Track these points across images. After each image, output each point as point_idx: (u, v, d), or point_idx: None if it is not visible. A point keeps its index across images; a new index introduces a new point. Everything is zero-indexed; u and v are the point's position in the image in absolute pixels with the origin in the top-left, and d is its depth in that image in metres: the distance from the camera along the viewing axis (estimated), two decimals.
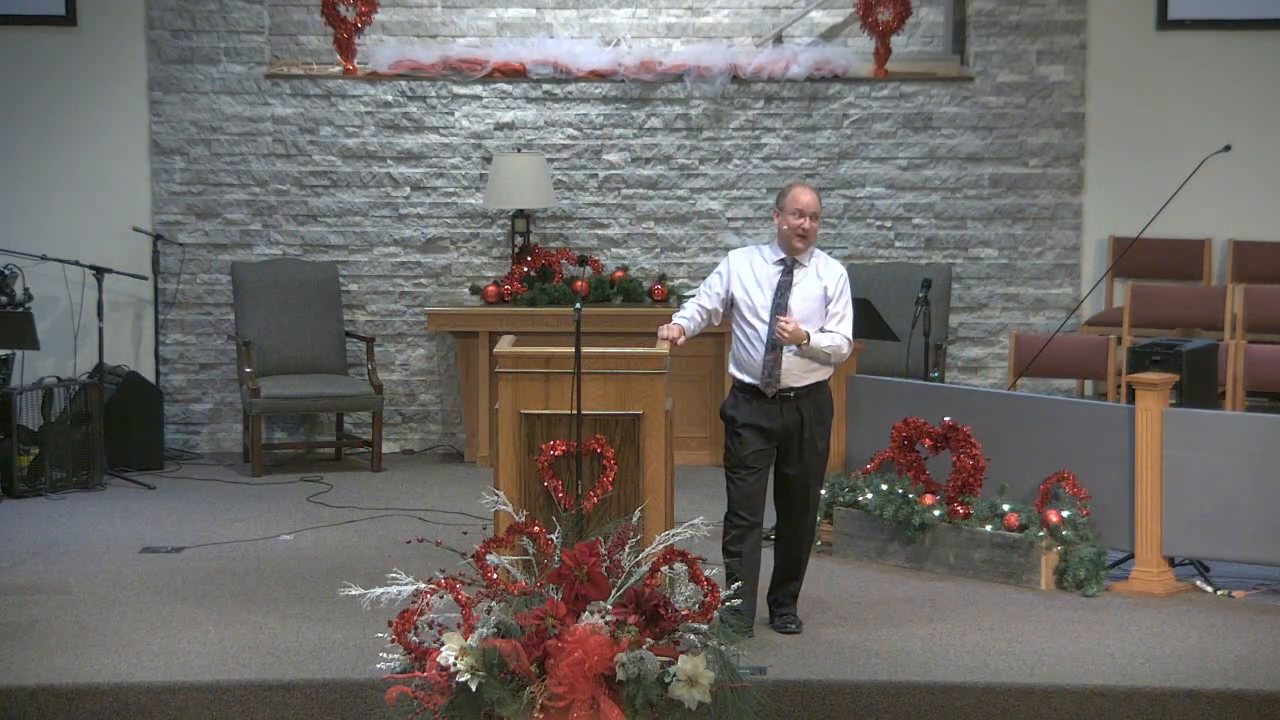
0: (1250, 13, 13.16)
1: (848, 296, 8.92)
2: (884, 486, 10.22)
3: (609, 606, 7.20)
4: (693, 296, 9.08)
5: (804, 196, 8.82)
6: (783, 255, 8.86)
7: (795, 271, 8.84)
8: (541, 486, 8.74)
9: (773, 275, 8.83)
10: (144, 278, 13.06)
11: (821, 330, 8.80)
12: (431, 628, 7.28)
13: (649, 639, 7.13)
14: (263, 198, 13.27)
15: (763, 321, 8.79)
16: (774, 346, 8.77)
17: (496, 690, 7.08)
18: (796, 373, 8.82)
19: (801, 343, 8.73)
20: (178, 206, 13.25)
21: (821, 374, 8.90)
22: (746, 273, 8.87)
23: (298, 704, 8.17)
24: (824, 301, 8.85)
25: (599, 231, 13.33)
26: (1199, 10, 13.18)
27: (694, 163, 13.30)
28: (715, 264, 9.29)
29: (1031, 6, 13.21)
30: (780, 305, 8.78)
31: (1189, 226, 13.05)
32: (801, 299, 8.81)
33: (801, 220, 8.79)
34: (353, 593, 7.43)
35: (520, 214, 13.13)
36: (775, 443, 8.87)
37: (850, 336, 8.91)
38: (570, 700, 7.03)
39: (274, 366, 12.86)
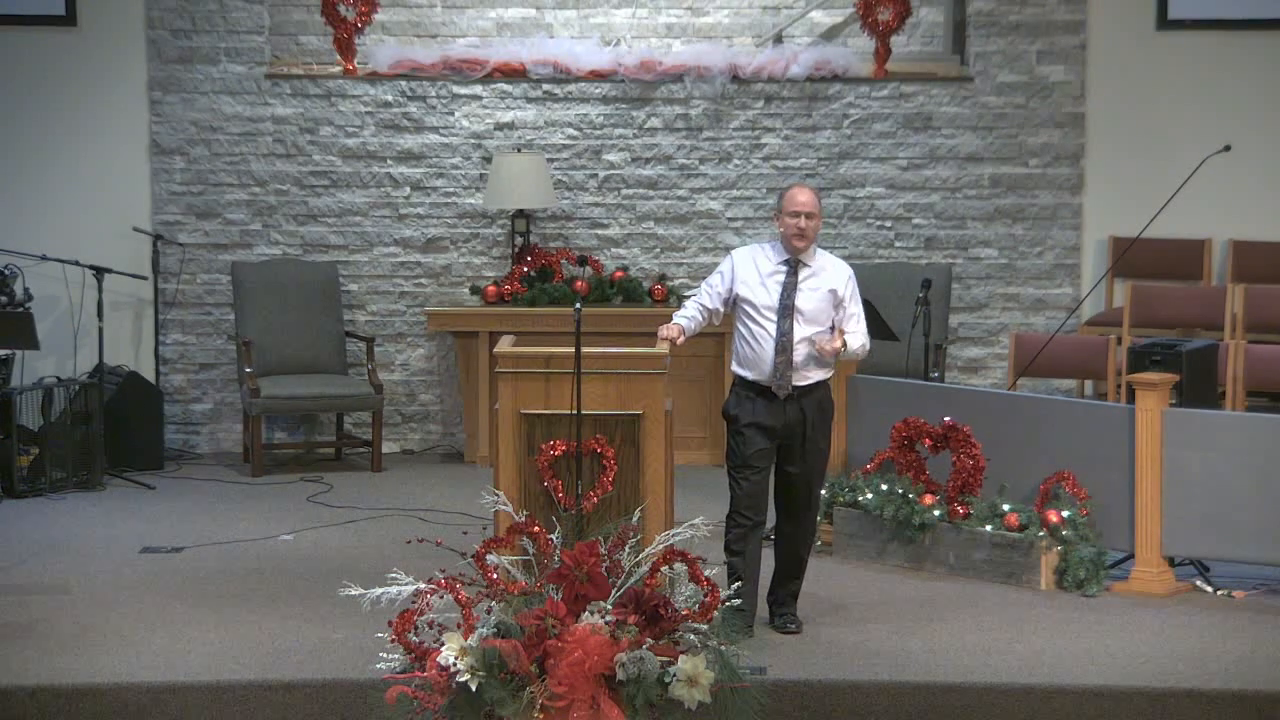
0: (1250, 13, 13.15)
1: (858, 295, 8.98)
2: (884, 486, 10.22)
3: (609, 606, 7.19)
4: (693, 296, 9.08)
5: (800, 196, 8.83)
6: (787, 255, 8.86)
7: (800, 271, 8.85)
8: (541, 486, 8.74)
9: (778, 275, 8.84)
10: (144, 278, 13.06)
11: (832, 329, 8.86)
12: (431, 628, 7.28)
13: (649, 639, 7.13)
14: (263, 198, 13.26)
15: (770, 321, 8.79)
16: (785, 349, 8.77)
17: (496, 690, 7.08)
18: (803, 371, 8.83)
19: (841, 351, 8.79)
20: (178, 206, 13.24)
21: (824, 372, 8.92)
22: (750, 272, 8.87)
23: (298, 704, 8.17)
24: (831, 301, 8.86)
25: (599, 231, 13.33)
26: (1199, 10, 13.17)
27: (694, 163, 13.29)
28: (715, 264, 9.29)
29: (1031, 6, 13.20)
30: (787, 306, 8.78)
31: (1189, 226, 13.05)
32: (808, 298, 8.82)
33: (798, 220, 8.79)
34: (353, 593, 7.43)
35: (520, 214, 13.12)
36: (778, 441, 8.88)
37: (867, 332, 9.01)
38: (570, 700, 7.03)
39: (274, 366, 12.85)
